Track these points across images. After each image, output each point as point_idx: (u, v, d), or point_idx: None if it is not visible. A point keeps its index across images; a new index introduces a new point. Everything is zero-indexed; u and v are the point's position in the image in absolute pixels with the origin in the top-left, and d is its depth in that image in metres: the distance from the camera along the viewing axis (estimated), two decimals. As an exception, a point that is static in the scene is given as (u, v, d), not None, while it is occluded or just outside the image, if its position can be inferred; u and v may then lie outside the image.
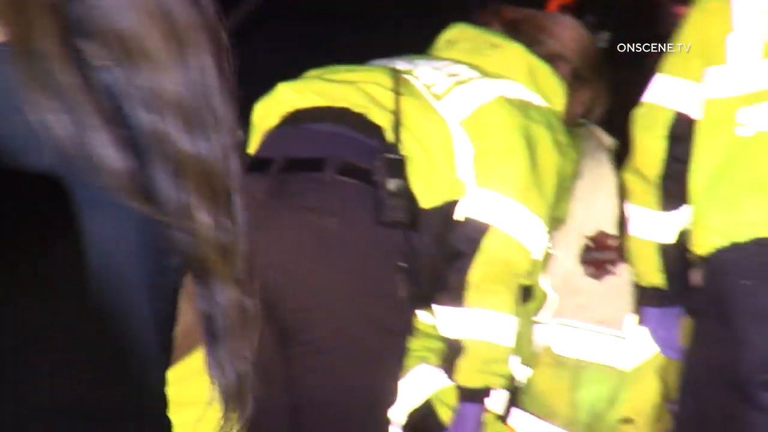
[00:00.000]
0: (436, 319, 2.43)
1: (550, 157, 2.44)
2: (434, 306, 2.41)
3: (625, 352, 2.72)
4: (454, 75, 2.47)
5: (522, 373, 2.65)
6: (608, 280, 2.72)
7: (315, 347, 2.30)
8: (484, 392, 2.41)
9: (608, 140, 2.78)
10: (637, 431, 2.75)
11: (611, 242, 2.70)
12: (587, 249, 2.71)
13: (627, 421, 2.74)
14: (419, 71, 2.49)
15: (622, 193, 2.53)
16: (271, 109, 2.46)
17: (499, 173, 2.38)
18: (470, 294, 2.36)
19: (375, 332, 2.31)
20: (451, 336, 2.40)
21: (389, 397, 2.38)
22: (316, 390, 2.32)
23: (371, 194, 2.28)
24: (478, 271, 2.37)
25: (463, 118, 2.39)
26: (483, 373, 2.39)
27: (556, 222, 2.57)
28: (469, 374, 2.38)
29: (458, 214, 2.39)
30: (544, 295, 2.67)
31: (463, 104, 2.41)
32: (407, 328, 2.38)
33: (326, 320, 2.29)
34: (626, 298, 2.70)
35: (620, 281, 2.71)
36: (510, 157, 2.38)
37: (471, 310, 2.37)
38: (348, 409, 2.33)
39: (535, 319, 2.67)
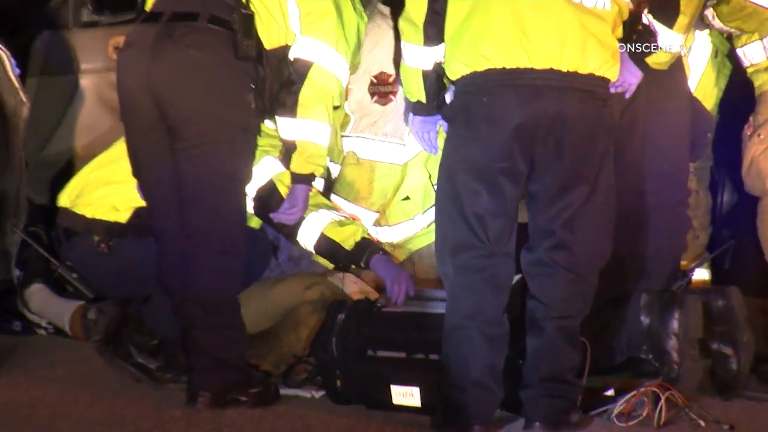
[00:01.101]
0: (277, 126, 3.43)
1: (352, 18, 3.46)
2: (276, 116, 3.43)
3: (402, 153, 3.70)
4: None
5: (334, 169, 3.69)
6: (390, 105, 3.65)
7: (192, 142, 3.19)
8: (310, 176, 3.43)
9: (383, 9, 3.65)
10: (414, 205, 3.78)
11: (390, 78, 3.62)
12: (372, 84, 3.63)
13: (407, 198, 3.77)
14: None
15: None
16: (161, -19, 3.39)
17: (318, 27, 3.37)
18: (300, 109, 3.36)
19: (234, 131, 3.23)
20: (287, 138, 3.41)
21: (245, 178, 3.33)
22: (194, 173, 3.20)
23: (231, 38, 3.22)
24: (305, 94, 3.36)
25: None
26: (309, 164, 3.40)
27: (353, 67, 3.54)
28: (299, 164, 3.40)
29: (291, 55, 3.40)
30: (348, 117, 3.68)
31: None
32: (257, 129, 3.35)
33: (200, 122, 3.18)
34: (403, 117, 3.64)
35: (399, 106, 3.64)
36: (325, 16, 3.38)
37: (301, 120, 3.37)
38: (215, 186, 3.21)
39: (342, 133, 3.68)
